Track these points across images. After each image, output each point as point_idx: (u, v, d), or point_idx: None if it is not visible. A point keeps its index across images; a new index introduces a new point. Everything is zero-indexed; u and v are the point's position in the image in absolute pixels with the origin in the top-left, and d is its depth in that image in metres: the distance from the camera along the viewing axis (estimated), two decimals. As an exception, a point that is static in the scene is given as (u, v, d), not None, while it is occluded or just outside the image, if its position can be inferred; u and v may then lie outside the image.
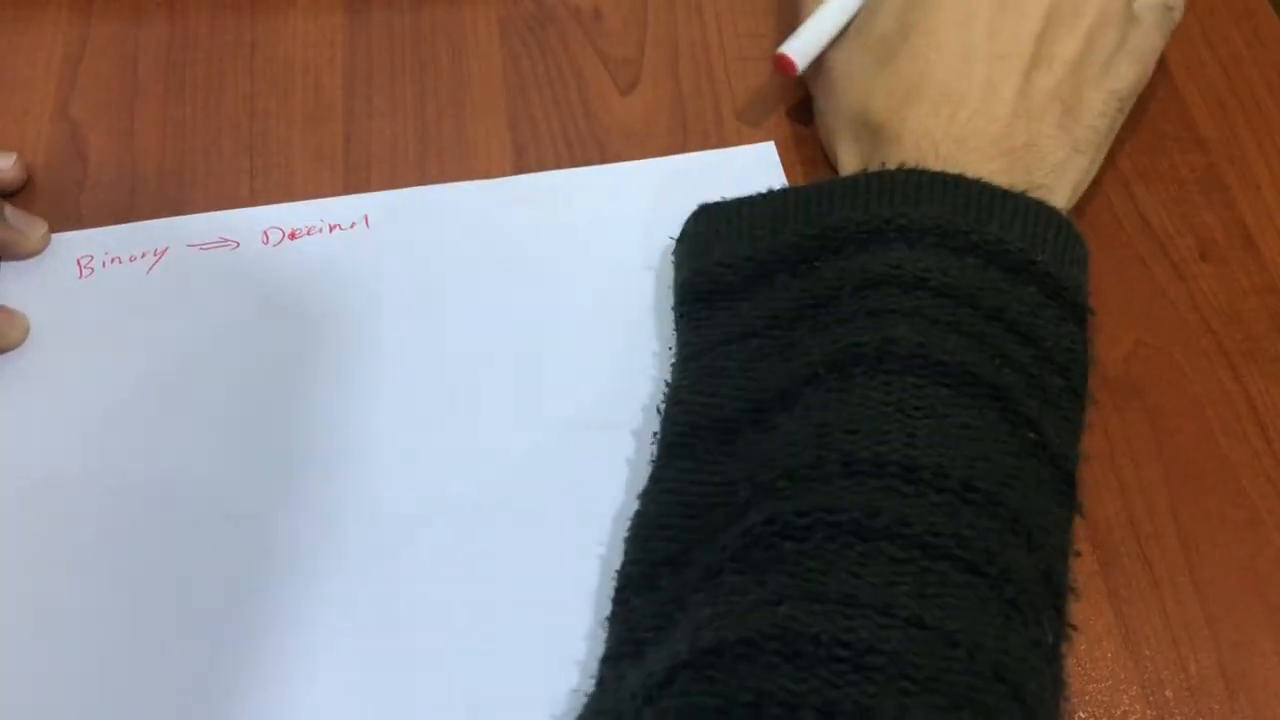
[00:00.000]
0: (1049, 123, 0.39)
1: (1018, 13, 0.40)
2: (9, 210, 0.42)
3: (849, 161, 0.41)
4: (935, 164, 0.37)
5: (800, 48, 0.41)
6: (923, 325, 0.33)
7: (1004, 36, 0.39)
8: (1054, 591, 0.31)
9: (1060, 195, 0.39)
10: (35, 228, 0.42)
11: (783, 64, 0.41)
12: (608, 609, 0.33)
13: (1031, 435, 0.32)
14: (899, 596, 0.28)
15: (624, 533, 0.34)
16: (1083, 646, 0.35)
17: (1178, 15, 0.43)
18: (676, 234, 0.40)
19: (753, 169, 0.44)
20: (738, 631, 0.28)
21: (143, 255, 0.42)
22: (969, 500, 0.29)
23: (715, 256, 0.38)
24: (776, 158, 0.44)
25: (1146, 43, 0.41)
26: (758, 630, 0.27)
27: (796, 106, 0.46)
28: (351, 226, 0.42)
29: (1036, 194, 0.37)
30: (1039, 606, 0.30)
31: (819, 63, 0.42)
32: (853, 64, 0.41)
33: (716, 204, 0.39)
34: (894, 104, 0.39)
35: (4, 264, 0.42)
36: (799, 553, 0.29)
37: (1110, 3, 0.40)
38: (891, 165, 0.38)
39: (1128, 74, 0.41)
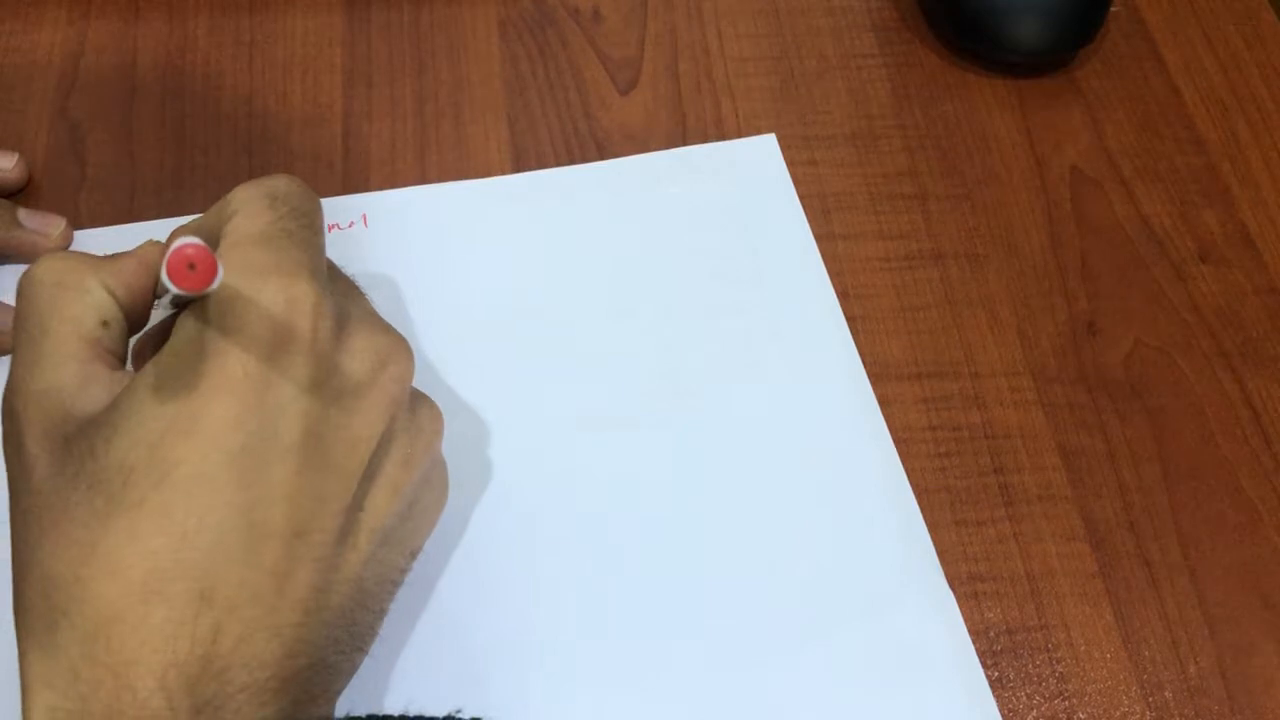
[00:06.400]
0: (343, 624, 0.28)
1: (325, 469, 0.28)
2: (23, 213, 0.41)
3: (41, 676, 0.26)
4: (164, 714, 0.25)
5: None
6: None
7: (304, 502, 0.27)
8: None
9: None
10: (54, 226, 0.41)
11: None
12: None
13: None
14: None
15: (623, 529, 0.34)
16: (1082, 647, 0.35)
17: None
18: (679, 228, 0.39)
19: (755, 161, 0.44)
20: None
21: (141, 255, 0.42)
22: None
23: None
24: (778, 149, 0.44)
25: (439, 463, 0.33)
26: None
27: (798, 107, 0.46)
28: (350, 226, 0.42)
29: None
30: None
31: None
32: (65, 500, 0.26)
33: None
34: (125, 587, 0.25)
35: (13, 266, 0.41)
36: None
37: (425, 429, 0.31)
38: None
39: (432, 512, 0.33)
